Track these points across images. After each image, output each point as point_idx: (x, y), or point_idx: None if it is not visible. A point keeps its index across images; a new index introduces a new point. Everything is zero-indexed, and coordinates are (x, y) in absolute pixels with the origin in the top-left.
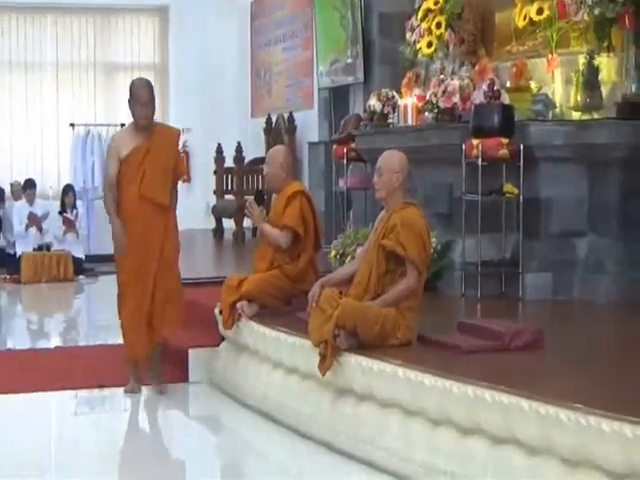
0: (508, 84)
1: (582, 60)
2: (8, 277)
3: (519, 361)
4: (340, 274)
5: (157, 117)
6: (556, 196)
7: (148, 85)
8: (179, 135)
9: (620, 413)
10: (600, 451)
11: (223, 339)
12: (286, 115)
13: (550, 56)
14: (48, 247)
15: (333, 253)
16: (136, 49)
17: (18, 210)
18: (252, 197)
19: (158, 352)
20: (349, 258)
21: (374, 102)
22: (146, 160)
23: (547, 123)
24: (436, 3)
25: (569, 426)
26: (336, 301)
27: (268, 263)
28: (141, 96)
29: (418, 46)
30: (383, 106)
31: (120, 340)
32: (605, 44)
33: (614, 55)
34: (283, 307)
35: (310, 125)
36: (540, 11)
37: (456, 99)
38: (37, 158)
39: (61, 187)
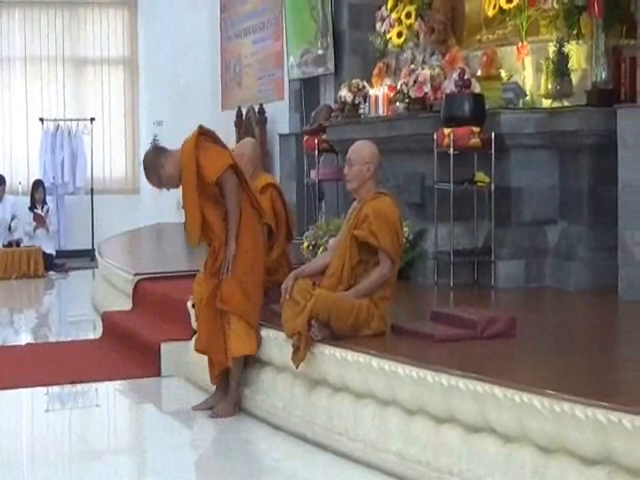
0: (479, 73)
1: (552, 48)
2: None
3: (492, 349)
4: (313, 266)
5: (127, 111)
6: (527, 184)
7: (144, 162)
8: (195, 138)
9: (593, 399)
10: (575, 437)
11: (195, 333)
12: (256, 107)
13: (520, 44)
14: (18, 243)
15: (305, 245)
16: (105, 42)
17: None
18: None
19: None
20: (322, 249)
21: (345, 93)
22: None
23: (518, 111)
24: None
25: (543, 413)
26: (309, 293)
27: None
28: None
29: (388, 36)
30: (354, 97)
31: (91, 336)
32: (575, 32)
33: (583, 42)
34: None
35: (281, 117)
36: None
37: (427, 89)
38: (6, 154)
39: (31, 183)
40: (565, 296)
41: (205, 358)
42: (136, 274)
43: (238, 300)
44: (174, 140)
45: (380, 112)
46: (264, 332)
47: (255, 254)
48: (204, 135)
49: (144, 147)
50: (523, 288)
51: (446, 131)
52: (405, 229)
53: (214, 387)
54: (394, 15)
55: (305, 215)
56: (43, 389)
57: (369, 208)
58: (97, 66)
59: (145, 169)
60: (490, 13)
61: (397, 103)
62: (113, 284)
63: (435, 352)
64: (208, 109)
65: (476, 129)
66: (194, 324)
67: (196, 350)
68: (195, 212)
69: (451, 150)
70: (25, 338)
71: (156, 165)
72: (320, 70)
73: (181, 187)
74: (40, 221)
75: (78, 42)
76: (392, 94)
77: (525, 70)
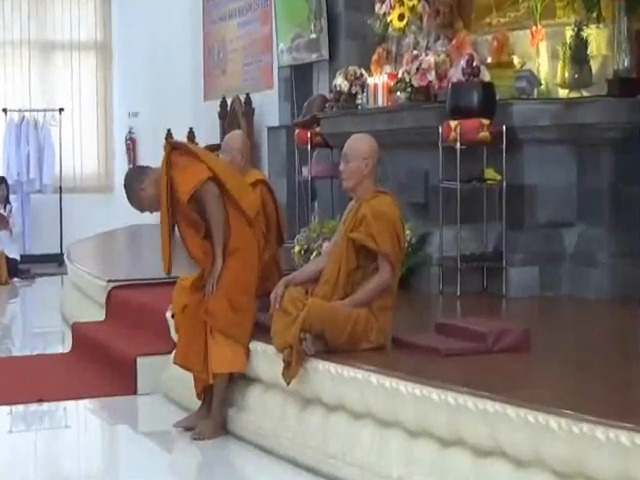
0: (488, 60)
1: (569, 32)
2: None
3: (504, 365)
4: (305, 272)
5: (100, 101)
6: (542, 182)
7: (125, 183)
8: (167, 156)
9: (616, 420)
10: (595, 461)
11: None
12: (243, 97)
13: (534, 28)
14: None
15: (297, 249)
16: (75, 25)
17: None
18: None
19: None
20: (315, 254)
21: (341, 81)
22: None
23: (532, 102)
24: None
25: (560, 435)
26: (302, 302)
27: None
28: None
29: (389, 19)
30: (351, 86)
31: (60, 349)
32: (594, 14)
33: (604, 26)
34: None
35: (270, 108)
36: None
37: (431, 77)
38: None
39: None
40: (584, 306)
41: (186, 374)
42: (110, 281)
43: (224, 315)
44: (151, 133)
45: (379, 103)
46: (251, 345)
47: (245, 262)
48: (176, 150)
49: (118, 141)
50: (537, 297)
51: (452, 124)
52: (407, 232)
53: (197, 404)
54: None
55: (296, 216)
56: (6, 408)
57: (367, 208)
58: (66, 51)
59: (126, 191)
60: None
61: (398, 93)
62: (84, 292)
63: (441, 368)
64: (189, 99)
65: (485, 121)
66: (174, 336)
67: (174, 363)
68: (166, 236)
69: (458, 145)
70: None
71: (136, 186)
72: (313, 56)
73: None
74: (3, 222)
75: (45, 24)
76: (393, 83)
77: (540, 57)
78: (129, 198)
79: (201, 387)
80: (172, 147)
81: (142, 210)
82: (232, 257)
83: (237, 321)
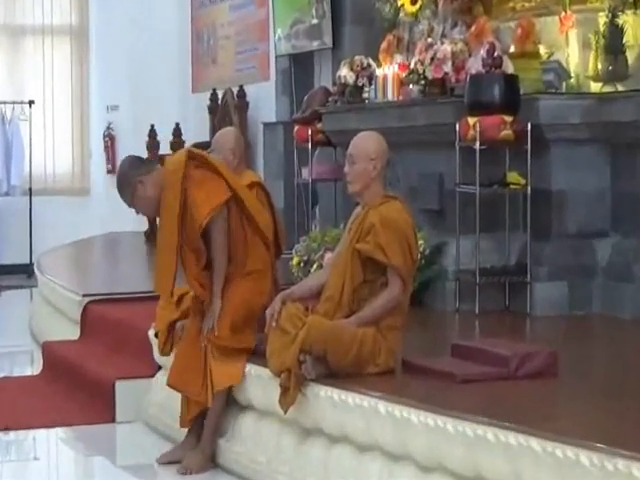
0: (512, 49)
1: (603, 19)
2: None
3: (528, 392)
4: (305, 286)
5: (75, 92)
6: (572, 187)
7: (120, 171)
8: (183, 165)
9: None
10: None
11: (159, 368)
12: (235, 89)
13: (563, 14)
14: None
15: (296, 260)
16: (48, 7)
17: None
18: None
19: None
20: (316, 266)
21: (345, 72)
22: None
23: (560, 97)
24: None
25: (592, 472)
26: (301, 320)
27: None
28: None
29: (400, 2)
30: (357, 77)
31: (29, 371)
32: None
33: None
34: None
35: (266, 101)
36: None
37: (447, 68)
38: None
39: None
40: (618, 326)
41: (172, 400)
42: (85, 295)
43: (227, 336)
44: (132, 130)
45: (389, 96)
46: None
47: (257, 285)
48: (193, 160)
49: (95, 137)
50: (566, 316)
51: (471, 121)
52: (420, 242)
53: (183, 435)
54: None
55: (295, 224)
56: None
57: (375, 215)
58: (37, 36)
59: (119, 180)
60: None
61: (410, 86)
62: (56, 307)
63: (457, 395)
64: (175, 92)
65: (508, 118)
66: (158, 358)
67: (168, 385)
68: (173, 256)
69: (477, 144)
70: None
71: (133, 178)
72: (314, 44)
73: (158, 220)
74: None
75: (14, 6)
76: (404, 74)
77: (569, 46)
78: (120, 188)
79: (196, 412)
80: (189, 156)
81: (131, 206)
82: (245, 279)
83: (239, 341)
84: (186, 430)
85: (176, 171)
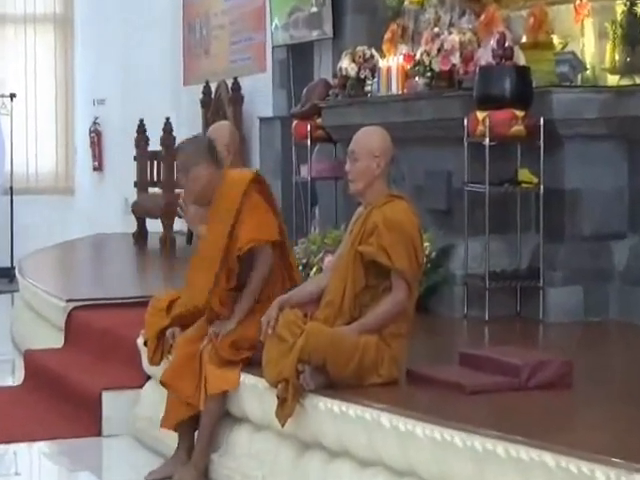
0: (524, 39)
1: (621, 7)
2: None
3: (541, 403)
4: (304, 291)
5: (59, 85)
6: (587, 186)
7: (185, 142)
8: (248, 183)
9: None
10: None
11: (149, 378)
12: (230, 82)
13: (578, 2)
14: None
15: None
16: None
17: None
18: None
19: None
20: (315, 270)
21: (347, 64)
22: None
23: (575, 90)
24: None
25: None
26: (299, 327)
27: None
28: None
29: None
30: (359, 69)
31: (10, 381)
32: None
33: None
34: None
35: (262, 95)
36: None
37: (455, 59)
38: None
39: None
40: (636, 332)
41: (162, 413)
42: (69, 300)
43: (226, 348)
44: (120, 125)
45: (393, 90)
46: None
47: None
48: (258, 184)
49: (81, 133)
50: (581, 322)
51: (480, 115)
52: (426, 244)
53: (174, 449)
54: None
55: (294, 225)
56: None
57: (379, 216)
58: (19, 25)
59: (196, 140)
60: None
61: (416, 78)
62: (39, 313)
63: (465, 407)
64: (166, 84)
65: (520, 113)
66: (147, 367)
67: (161, 381)
68: (212, 270)
69: (487, 140)
70: None
71: (208, 155)
72: (314, 34)
73: (205, 229)
74: None
75: None
76: (409, 66)
77: (585, 36)
78: (190, 148)
79: (185, 415)
80: (255, 179)
81: (179, 171)
82: (259, 304)
83: (236, 355)
84: (175, 444)
85: (238, 185)
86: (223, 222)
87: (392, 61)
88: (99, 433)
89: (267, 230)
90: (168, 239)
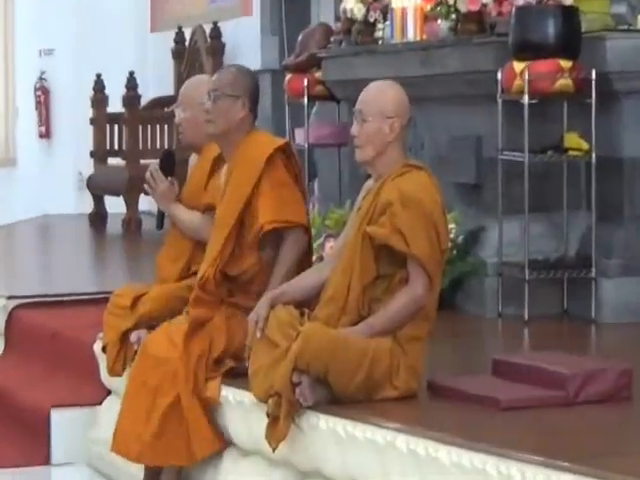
0: None
1: None
2: None
3: (593, 421)
4: (300, 285)
5: None
6: None
7: (229, 69)
8: (273, 151)
9: None
10: None
11: (109, 393)
12: (208, 28)
13: None
14: None
15: None
16: None
17: None
18: (156, 162)
19: None
20: (314, 258)
21: (352, 5)
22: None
23: (635, 35)
24: None
25: None
26: (295, 328)
27: (183, 267)
28: None
29: None
30: (367, 11)
31: None
32: None
33: None
34: None
35: (248, 43)
36: None
37: None
38: None
39: None
40: None
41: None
42: (10, 297)
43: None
44: (73, 81)
45: (410, 36)
46: (222, 393)
47: None
48: (286, 157)
49: (24, 90)
50: None
51: (517, 67)
52: (451, 226)
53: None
54: None
55: None
56: None
57: (393, 190)
58: None
59: (227, 69)
60: None
61: (438, 21)
62: None
63: (499, 426)
64: (130, 31)
65: (566, 64)
66: (106, 379)
67: (139, 462)
68: (222, 235)
69: (525, 98)
70: None
71: (236, 87)
72: None
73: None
74: None
75: None
76: (430, 6)
77: None
78: (223, 76)
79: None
80: (284, 147)
81: (208, 96)
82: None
83: (217, 368)
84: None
85: (264, 149)
86: (240, 192)
87: (408, 1)
88: (47, 461)
89: (293, 209)
90: (133, 221)
